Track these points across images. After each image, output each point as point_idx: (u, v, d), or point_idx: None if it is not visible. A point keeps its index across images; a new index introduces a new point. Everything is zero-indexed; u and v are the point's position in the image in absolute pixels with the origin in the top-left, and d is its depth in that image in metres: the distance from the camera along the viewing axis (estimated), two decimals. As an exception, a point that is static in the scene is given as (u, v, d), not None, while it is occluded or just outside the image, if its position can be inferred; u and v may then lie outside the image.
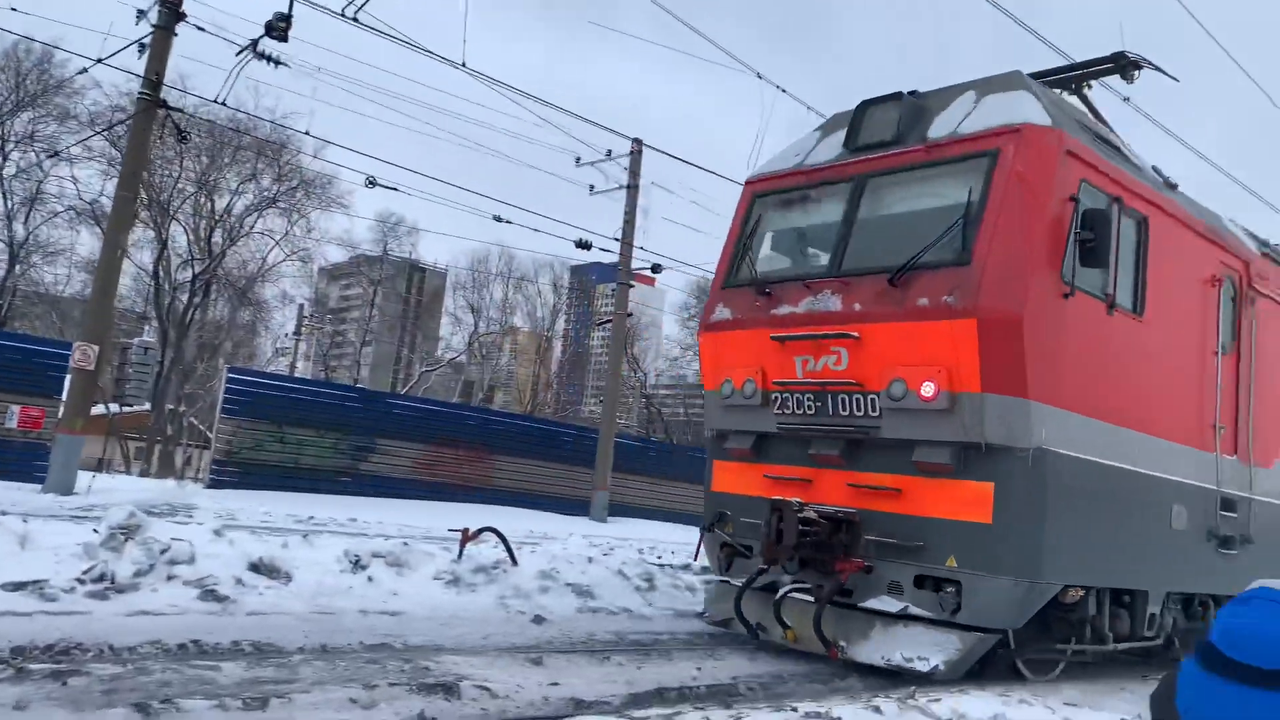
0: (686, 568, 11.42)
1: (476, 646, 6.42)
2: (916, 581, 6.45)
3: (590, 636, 7.33)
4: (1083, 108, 8.46)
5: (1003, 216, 6.33)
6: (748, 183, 8.35)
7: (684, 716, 4.47)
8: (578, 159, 23.59)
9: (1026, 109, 6.73)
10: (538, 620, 7.63)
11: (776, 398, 7.26)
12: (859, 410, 6.73)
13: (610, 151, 24.01)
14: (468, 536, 8.96)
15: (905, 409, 6.43)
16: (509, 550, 9.11)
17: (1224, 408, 7.98)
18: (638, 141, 24.37)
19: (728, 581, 7.61)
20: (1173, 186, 8.22)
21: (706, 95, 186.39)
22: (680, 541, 16.97)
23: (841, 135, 7.75)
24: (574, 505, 23.54)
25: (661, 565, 10.96)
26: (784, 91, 19.07)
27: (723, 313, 7.80)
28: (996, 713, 5.33)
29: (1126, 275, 7.04)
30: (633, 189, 24.11)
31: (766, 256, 7.97)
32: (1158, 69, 8.63)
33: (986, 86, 7.21)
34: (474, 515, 13.82)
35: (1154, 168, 8.34)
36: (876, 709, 4.98)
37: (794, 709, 4.79)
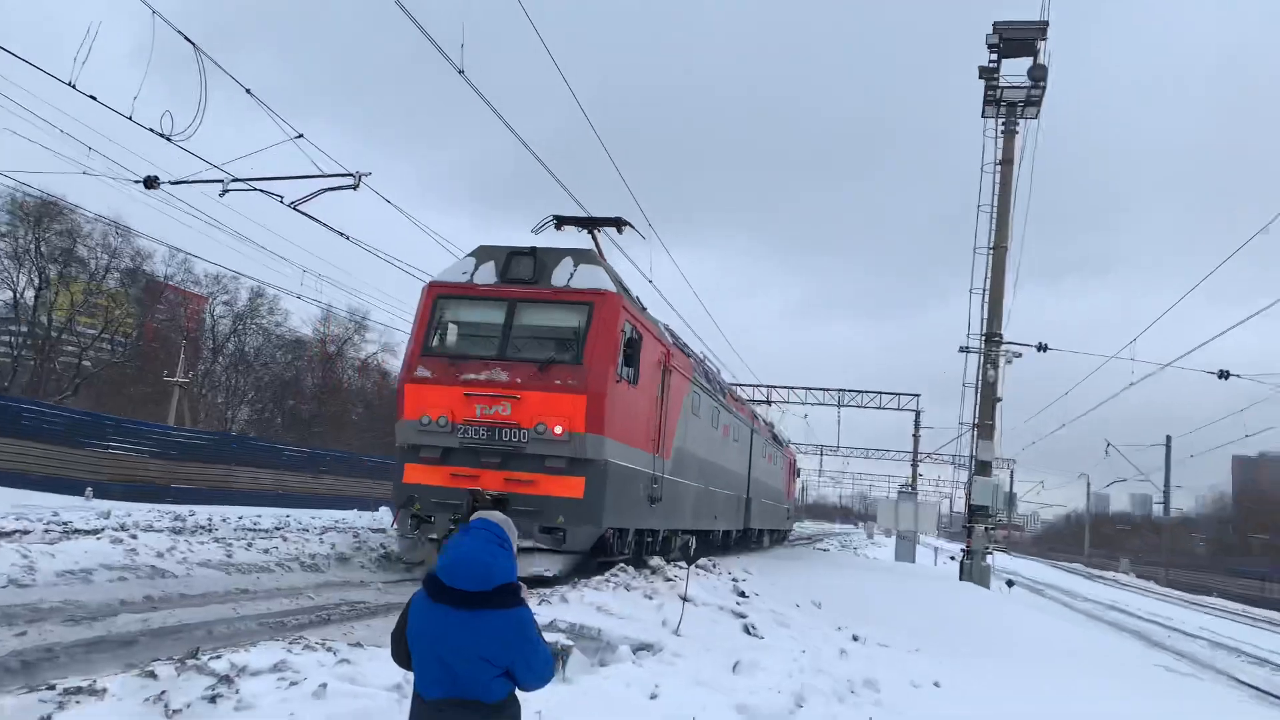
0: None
1: None
2: (541, 530, 12.01)
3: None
4: (596, 249, 14.71)
5: (596, 341, 12.19)
6: (431, 285, 13.17)
7: None
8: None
9: (603, 280, 12.69)
10: None
11: (462, 428, 12.15)
12: (514, 438, 12.00)
13: None
14: None
15: (543, 438, 11.94)
16: None
17: (657, 429, 14.53)
18: None
19: (419, 537, 12.39)
20: (643, 309, 14.63)
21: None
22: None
23: (492, 266, 12.99)
24: None
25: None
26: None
27: (424, 372, 12.46)
28: (279, 660, 5.50)
29: (632, 366, 13.12)
30: None
31: (451, 340, 12.93)
32: (641, 231, 15.73)
33: (580, 257, 13.05)
34: None
35: (636, 296, 14.64)
36: (151, 674, 4.87)
37: (51, 686, 4.58)
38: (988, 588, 24.20)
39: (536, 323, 12.70)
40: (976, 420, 25.68)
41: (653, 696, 6.45)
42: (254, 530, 16.68)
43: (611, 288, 12.78)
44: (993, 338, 24.97)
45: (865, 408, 53.90)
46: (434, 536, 12.18)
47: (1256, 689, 15.99)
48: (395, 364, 61.71)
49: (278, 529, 17.75)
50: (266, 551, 12.96)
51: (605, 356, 12.29)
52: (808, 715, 7.02)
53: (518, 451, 12.06)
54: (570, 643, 8.52)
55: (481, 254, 13.34)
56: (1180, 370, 24.68)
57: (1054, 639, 15.75)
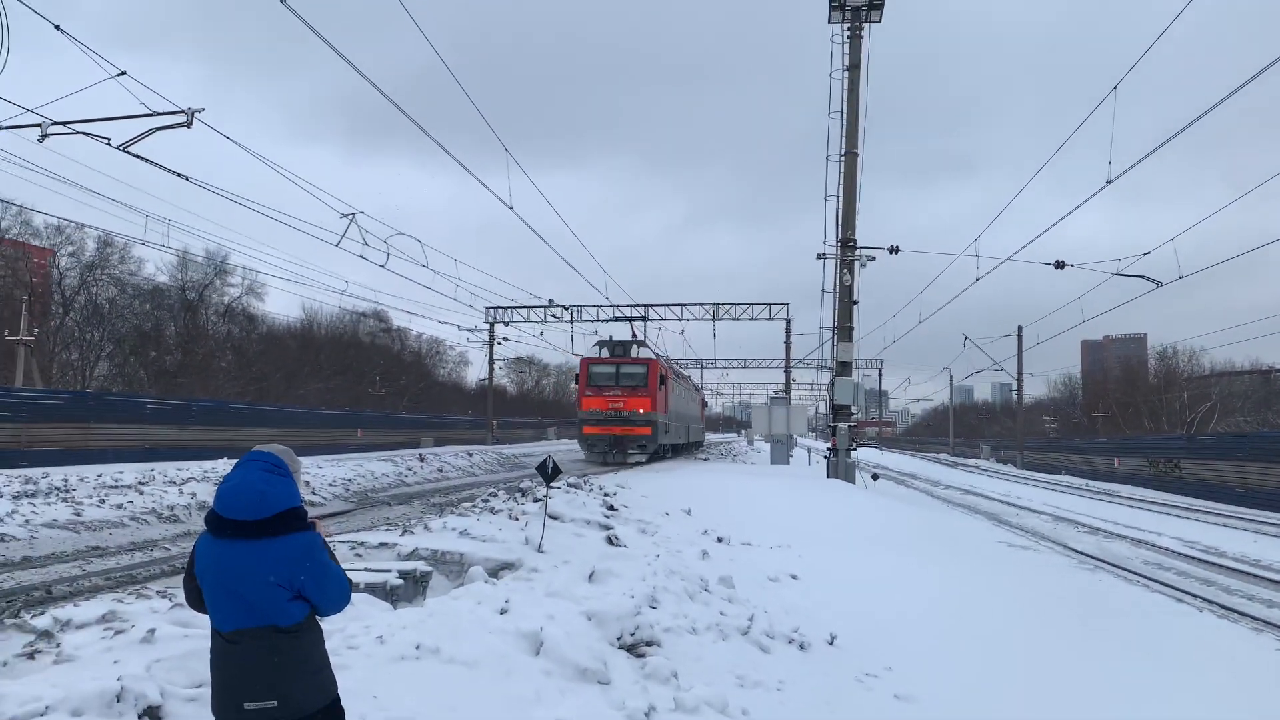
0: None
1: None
2: (636, 446, 34.36)
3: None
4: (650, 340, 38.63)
5: (650, 380, 33.56)
6: (583, 359, 34.77)
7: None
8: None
9: (652, 355, 34.79)
10: None
11: (602, 413, 33.06)
12: (630, 415, 33.26)
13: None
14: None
15: (637, 418, 33.12)
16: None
17: (665, 402, 35.55)
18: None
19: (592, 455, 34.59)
20: (670, 366, 38.17)
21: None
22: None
23: (606, 349, 34.45)
24: None
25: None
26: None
27: (588, 392, 33.54)
28: (108, 610, 5.47)
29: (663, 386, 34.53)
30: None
31: (594, 380, 33.54)
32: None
33: (640, 344, 35.47)
34: None
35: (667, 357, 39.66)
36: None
37: None
38: (853, 483, 25.29)
39: (628, 370, 33.87)
40: (836, 324, 26.49)
41: (502, 611, 6.55)
42: (113, 487, 16.04)
43: (653, 358, 34.30)
44: (847, 243, 25.65)
45: (739, 319, 54.92)
46: (597, 452, 33.84)
47: (1083, 554, 17.30)
48: (262, 307, 60.34)
49: (142, 484, 17.14)
50: (120, 507, 12.48)
51: (655, 389, 33.27)
52: (658, 615, 7.25)
53: (633, 423, 32.97)
54: (429, 569, 8.58)
55: (602, 344, 34.75)
56: (1021, 263, 25.88)
57: (910, 527, 16.63)
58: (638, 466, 31.71)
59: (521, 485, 14.57)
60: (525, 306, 53.94)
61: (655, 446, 35.82)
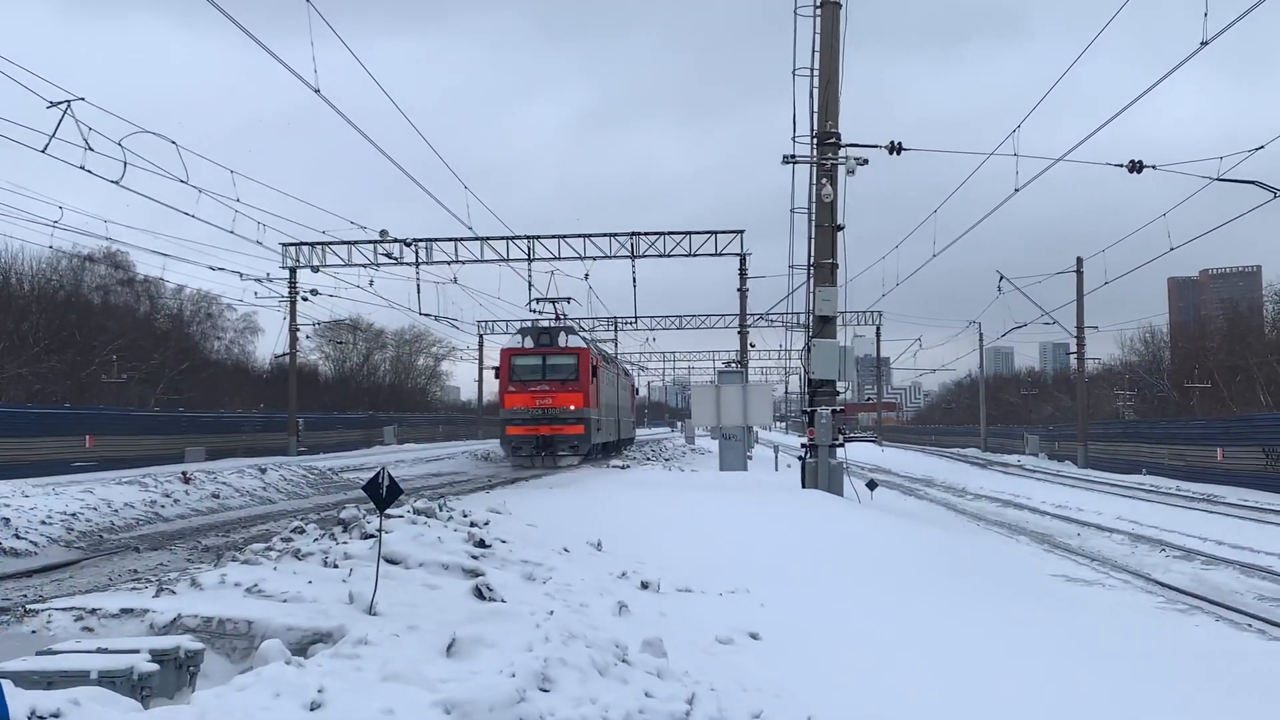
0: None
1: None
2: (569, 447, 46.02)
3: None
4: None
5: (582, 372, 45.45)
6: (503, 350, 47.22)
7: None
8: None
9: (582, 343, 47.04)
10: None
11: (528, 411, 44.56)
12: (559, 413, 44.46)
13: None
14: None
15: (567, 416, 44.64)
16: None
17: (596, 396, 47.65)
18: None
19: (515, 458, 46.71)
20: (600, 352, 55.90)
21: None
22: None
23: (530, 337, 46.35)
24: None
25: None
26: None
27: (511, 388, 45.11)
28: None
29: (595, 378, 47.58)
30: None
31: (517, 374, 45.50)
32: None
33: (569, 330, 47.59)
34: None
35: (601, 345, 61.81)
36: None
37: None
38: (840, 494, 25.73)
39: (555, 362, 45.33)
40: (813, 260, 26.80)
41: (313, 707, 6.49)
42: None
43: (584, 346, 46.77)
44: (826, 139, 25.93)
45: (671, 256, 55.24)
46: (523, 455, 45.37)
47: (1173, 588, 17.88)
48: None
49: None
50: None
51: (587, 380, 45.37)
52: (552, 701, 7.27)
53: (558, 416, 44.67)
54: (199, 646, 8.45)
55: (526, 331, 47.46)
56: (1081, 165, 26.53)
57: (924, 557, 16.99)
58: (520, 483, 31.93)
59: (342, 514, 14.39)
60: (344, 243, 53.42)
61: (589, 446, 46.04)
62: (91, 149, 21.97)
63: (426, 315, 57.31)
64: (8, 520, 21.67)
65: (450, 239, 52.99)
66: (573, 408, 44.62)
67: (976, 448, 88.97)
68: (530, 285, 53.56)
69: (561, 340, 46.06)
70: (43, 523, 22.52)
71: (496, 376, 47.28)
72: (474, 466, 51.47)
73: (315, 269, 55.76)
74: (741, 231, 55.18)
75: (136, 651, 7.79)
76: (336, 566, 11.28)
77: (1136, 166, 26.35)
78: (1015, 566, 18.03)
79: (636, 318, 72.87)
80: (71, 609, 9.41)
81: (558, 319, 51.68)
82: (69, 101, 21.34)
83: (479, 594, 10.81)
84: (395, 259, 52.49)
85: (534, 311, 55.20)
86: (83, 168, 22.16)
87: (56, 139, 21.17)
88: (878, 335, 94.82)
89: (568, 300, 53.85)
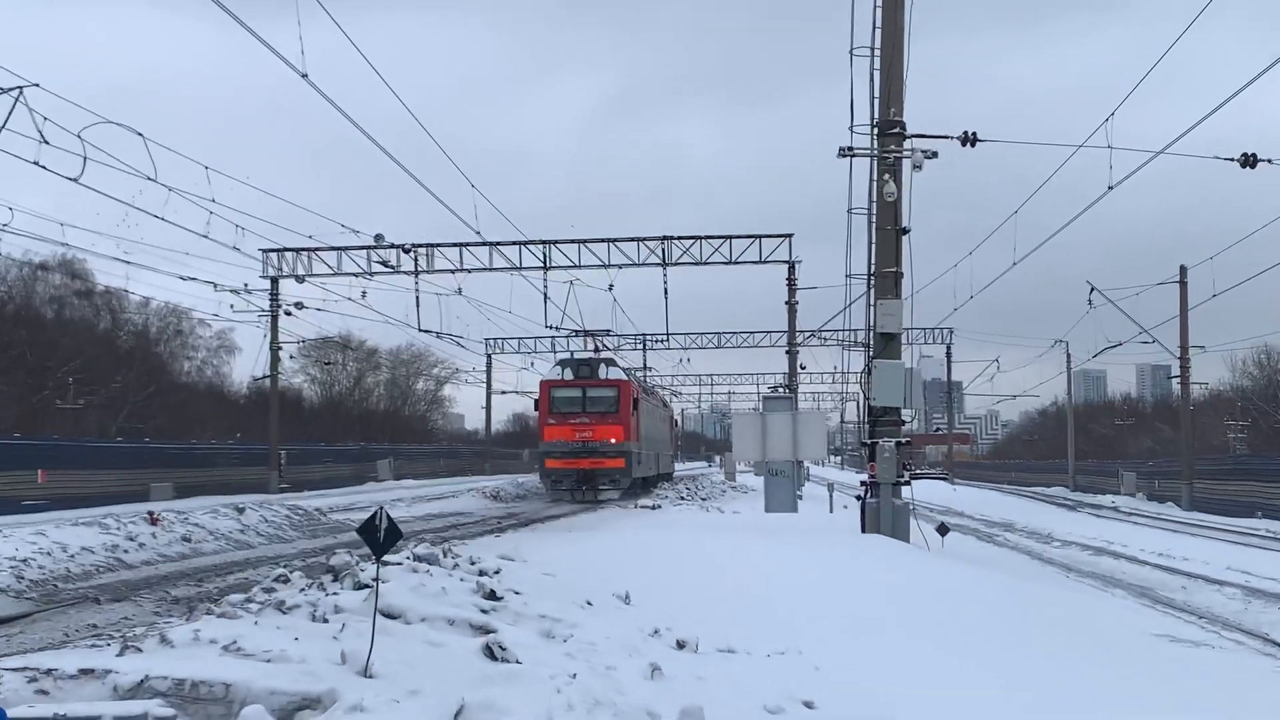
0: None
1: None
2: (609, 480, 55.32)
3: None
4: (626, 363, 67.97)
5: (623, 404, 54.83)
6: (543, 381, 56.69)
7: None
8: None
9: (622, 374, 57.24)
10: None
11: (568, 444, 53.45)
12: (600, 446, 53.14)
13: None
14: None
15: (608, 449, 53.57)
16: None
17: (637, 430, 58.91)
18: None
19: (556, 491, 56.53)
20: (640, 383, 69.80)
21: None
22: None
23: (569, 369, 55.98)
24: None
25: None
26: None
27: (551, 420, 54.25)
28: None
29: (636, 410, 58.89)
30: None
31: (557, 407, 55.77)
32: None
33: (609, 362, 57.42)
34: None
35: (637, 378, 70.51)
36: None
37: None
38: (907, 540, 25.64)
39: (596, 394, 54.40)
40: (874, 269, 26.77)
41: (300, 785, 6.49)
42: None
43: (626, 379, 56.80)
44: (889, 128, 25.93)
45: (708, 264, 55.41)
46: (563, 489, 53.51)
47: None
48: None
49: None
50: None
51: (628, 410, 54.80)
52: (575, 780, 7.26)
53: (600, 450, 53.23)
54: (170, 712, 8.48)
55: (563, 364, 57.10)
56: (1185, 160, 26.44)
57: (1004, 613, 16.90)
58: (536, 525, 32.12)
59: (332, 561, 14.42)
60: (334, 249, 53.68)
61: (630, 481, 53.57)
62: (47, 142, 22.21)
63: (427, 332, 57.66)
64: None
65: (454, 244, 53.32)
66: (614, 441, 51.92)
67: (1063, 486, 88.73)
68: (546, 297, 53.70)
69: (602, 372, 54.19)
70: (-12, 570, 22.64)
71: (536, 409, 55.79)
72: (483, 506, 51.71)
73: (300, 279, 56.08)
74: (790, 235, 55.48)
75: (98, 718, 7.83)
76: (326, 621, 11.31)
77: (1251, 160, 26.27)
78: (1112, 624, 17.91)
79: (668, 335, 72.60)
80: (24, 669, 9.43)
81: (596, 351, 60.02)
82: (21, 88, 21.58)
83: (490, 653, 10.81)
84: (392, 268, 52.82)
85: (554, 330, 58.58)
86: (36, 163, 22.38)
87: (7, 130, 21.37)
88: (948, 356, 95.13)
89: (606, 333, 60.19)
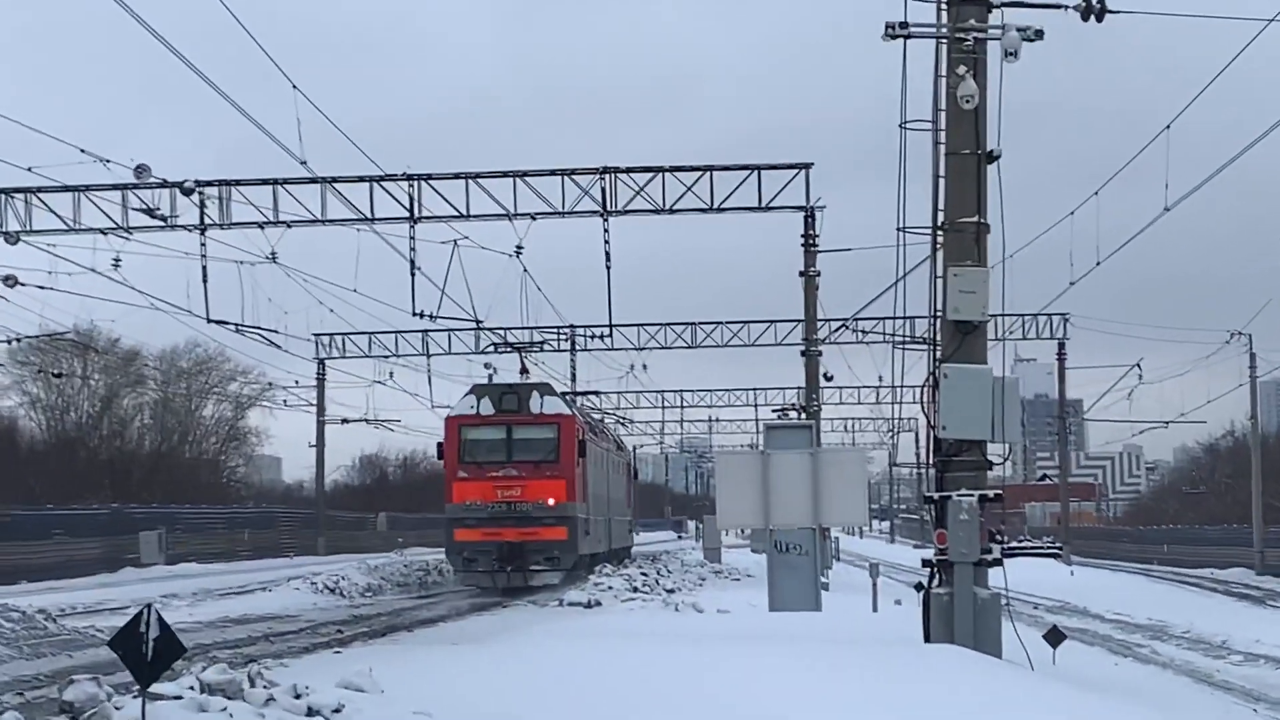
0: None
1: None
2: (545, 559, 68.90)
3: None
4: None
5: (564, 449, 68.83)
6: (450, 418, 69.90)
7: None
8: None
9: (563, 407, 72.33)
10: None
11: (487, 506, 65.74)
12: (533, 510, 65.51)
13: None
14: None
15: (544, 514, 67.07)
16: None
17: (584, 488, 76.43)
18: None
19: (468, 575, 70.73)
20: (587, 418, 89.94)
21: None
22: None
23: (488, 400, 67.59)
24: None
25: None
26: None
27: (463, 474, 66.42)
28: None
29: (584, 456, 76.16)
30: None
31: (471, 453, 69.91)
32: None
33: (544, 390, 71.52)
34: None
35: (581, 409, 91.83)
36: None
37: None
38: (995, 653, 25.54)
39: (526, 435, 65.57)
40: (942, 220, 26.67)
41: None
42: None
43: (569, 412, 70.31)
44: (966, -9, 25.88)
45: (677, 212, 55.36)
46: (479, 571, 63.73)
47: None
48: None
49: None
50: None
51: (571, 455, 67.01)
52: None
53: (529, 514, 64.76)
54: None
55: (480, 391, 68.64)
56: None
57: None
58: (400, 634, 31.72)
59: (68, 695, 14.40)
60: (68, 189, 53.26)
61: (574, 559, 58.44)
62: None
63: (220, 323, 57.31)
64: None
65: (264, 181, 52.81)
66: (552, 502, 57.37)
67: (1246, 566, 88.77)
68: (414, 267, 53.40)
69: (534, 404, 59.12)
70: None
71: (440, 456, 61.76)
72: (314, 604, 51.68)
73: (10, 237, 55.30)
74: (808, 165, 55.23)
75: None
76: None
77: None
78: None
79: (612, 327, 71.48)
80: None
81: (523, 372, 66.07)
82: None
83: None
84: (163, 219, 52.23)
85: (427, 318, 61.30)
86: None
87: None
88: (1060, 359, 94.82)
89: (538, 347, 65.30)
